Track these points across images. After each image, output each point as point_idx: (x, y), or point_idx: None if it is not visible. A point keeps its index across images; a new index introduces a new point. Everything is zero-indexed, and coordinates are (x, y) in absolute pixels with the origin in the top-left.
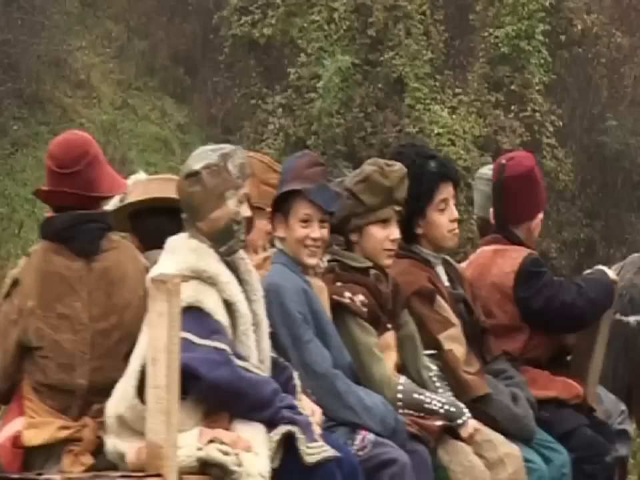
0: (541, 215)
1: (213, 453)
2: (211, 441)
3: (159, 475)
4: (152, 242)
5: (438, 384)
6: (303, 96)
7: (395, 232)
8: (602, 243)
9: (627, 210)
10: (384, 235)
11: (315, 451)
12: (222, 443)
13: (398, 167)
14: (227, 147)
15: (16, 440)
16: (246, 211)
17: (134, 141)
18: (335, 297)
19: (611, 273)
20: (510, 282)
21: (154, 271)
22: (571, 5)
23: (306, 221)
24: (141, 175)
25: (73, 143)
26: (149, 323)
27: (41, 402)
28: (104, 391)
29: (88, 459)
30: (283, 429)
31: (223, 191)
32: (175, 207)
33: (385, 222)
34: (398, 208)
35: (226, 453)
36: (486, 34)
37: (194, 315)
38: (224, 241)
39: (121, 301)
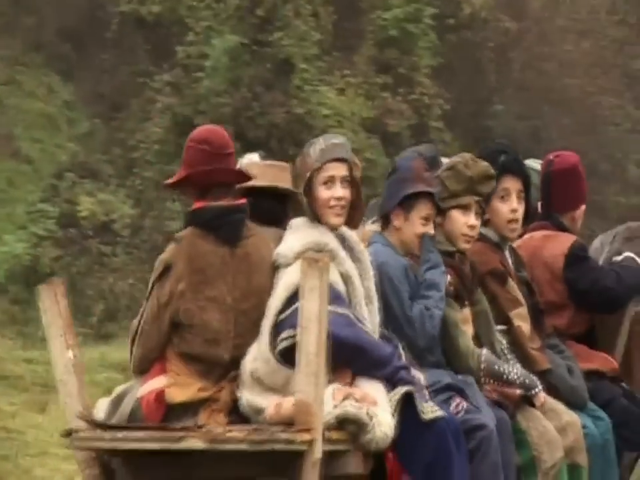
0: (583, 206)
1: (349, 409)
2: (345, 398)
3: (308, 430)
4: (262, 221)
5: (509, 356)
6: (190, 75)
7: (472, 219)
8: None
9: None
10: (463, 221)
11: (429, 409)
12: (354, 399)
13: (483, 163)
14: (320, 138)
15: (159, 395)
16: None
17: (20, 117)
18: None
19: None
20: (560, 263)
21: (281, 247)
22: None
23: (427, 219)
24: (254, 157)
25: (220, 131)
26: (300, 295)
27: (184, 366)
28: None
29: (222, 418)
30: (402, 389)
31: (305, 172)
32: (286, 194)
33: (464, 208)
34: (477, 198)
35: (359, 408)
36: (374, 16)
37: None
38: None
39: (259, 284)
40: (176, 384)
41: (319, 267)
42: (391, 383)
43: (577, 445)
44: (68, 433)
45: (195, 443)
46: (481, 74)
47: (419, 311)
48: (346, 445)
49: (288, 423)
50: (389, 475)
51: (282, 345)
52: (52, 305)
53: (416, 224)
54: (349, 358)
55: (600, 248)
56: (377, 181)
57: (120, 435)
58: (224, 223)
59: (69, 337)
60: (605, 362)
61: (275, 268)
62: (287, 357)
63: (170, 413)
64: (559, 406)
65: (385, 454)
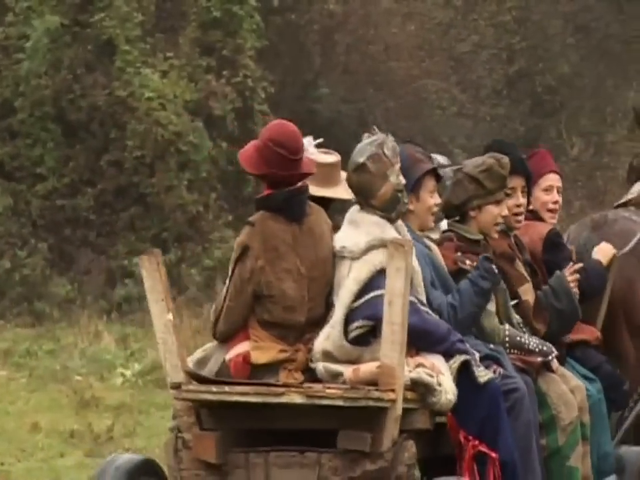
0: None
1: (422, 375)
2: (417, 366)
3: (392, 390)
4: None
5: (524, 329)
6: (10, 56)
7: (504, 210)
8: None
9: None
10: (497, 212)
11: (483, 374)
12: (426, 367)
13: (507, 160)
14: (379, 137)
15: (245, 357)
16: (403, 182)
17: None
18: (458, 263)
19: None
20: (539, 248)
21: (340, 238)
22: None
23: (432, 191)
24: (308, 143)
25: (295, 135)
26: (387, 274)
27: (265, 331)
28: (313, 324)
29: (299, 375)
30: (459, 358)
31: (385, 170)
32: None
33: (498, 202)
34: (508, 192)
35: (430, 375)
36: None
37: (384, 277)
38: (394, 206)
39: (324, 254)
40: (259, 347)
41: (404, 250)
42: (448, 354)
43: (582, 405)
44: (177, 386)
45: (295, 397)
46: (306, 57)
47: (441, 303)
48: (417, 404)
49: (366, 384)
50: (450, 430)
51: (354, 333)
52: (153, 273)
53: (426, 199)
54: (415, 340)
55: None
56: (200, 165)
57: (227, 388)
58: (291, 205)
59: (168, 301)
60: (590, 332)
61: (340, 258)
62: (357, 340)
63: (254, 373)
64: (566, 372)
65: (445, 413)
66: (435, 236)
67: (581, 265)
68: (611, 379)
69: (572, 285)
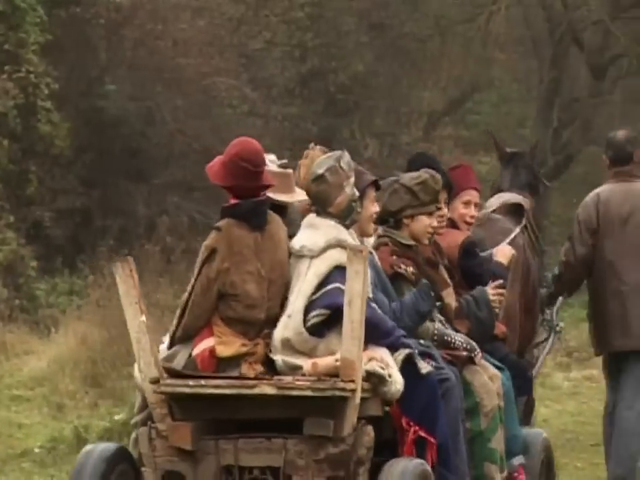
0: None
1: (376, 367)
2: (370, 359)
3: (352, 381)
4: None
5: (447, 327)
6: None
7: (434, 222)
8: (99, 212)
9: (124, 178)
10: (428, 223)
11: (424, 366)
12: (376, 360)
13: (439, 177)
14: (336, 153)
15: (212, 351)
16: (357, 194)
17: None
18: (394, 267)
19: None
20: (456, 254)
21: (299, 240)
22: None
23: (374, 200)
24: (271, 158)
25: (257, 150)
26: (347, 276)
27: (228, 327)
28: (271, 321)
29: (259, 367)
30: (404, 351)
31: (341, 182)
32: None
33: (430, 214)
34: (438, 205)
35: (382, 368)
36: None
37: (341, 272)
38: (348, 214)
39: (282, 258)
40: (222, 342)
41: (362, 255)
42: (393, 347)
43: (499, 391)
44: (156, 380)
45: (266, 389)
46: (92, 52)
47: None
48: (370, 394)
49: (324, 376)
50: (394, 418)
51: (313, 320)
52: (127, 278)
53: (369, 208)
54: (365, 332)
55: None
56: None
57: (203, 382)
58: (254, 214)
59: (141, 304)
60: (497, 327)
61: (299, 257)
62: (313, 330)
63: (219, 365)
64: (485, 363)
65: (392, 402)
66: (370, 241)
67: (502, 281)
68: (517, 367)
69: (494, 298)
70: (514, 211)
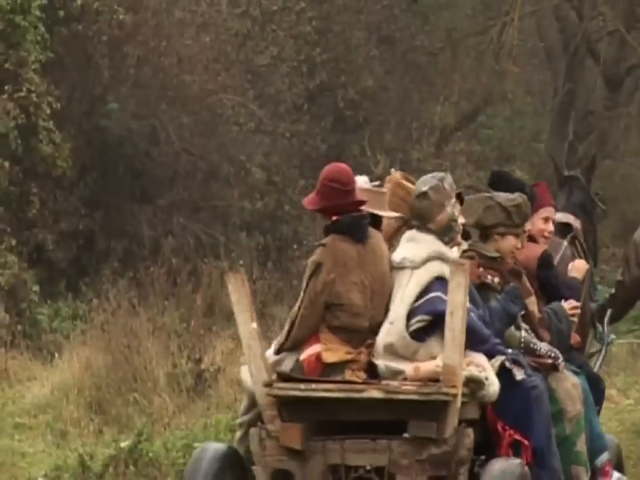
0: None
1: (474, 372)
2: (468, 364)
3: (454, 386)
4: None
5: (532, 335)
6: None
7: (519, 244)
8: (102, 234)
9: (128, 199)
10: (514, 243)
11: (518, 372)
12: (475, 365)
13: (529, 203)
14: (439, 173)
15: (318, 357)
16: (458, 215)
17: None
18: (481, 277)
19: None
20: (534, 265)
21: (400, 253)
22: None
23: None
24: (363, 180)
25: (346, 170)
26: (449, 288)
27: (334, 335)
28: (374, 330)
29: (362, 375)
30: (500, 358)
31: (443, 201)
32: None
33: (517, 235)
34: (526, 229)
35: (480, 372)
36: None
37: (441, 282)
38: (448, 233)
39: (384, 270)
40: (329, 349)
41: (464, 268)
42: (490, 354)
43: (580, 398)
44: (268, 384)
45: (374, 393)
46: (94, 70)
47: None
48: (468, 398)
49: (426, 381)
50: (489, 422)
51: (415, 326)
52: (239, 288)
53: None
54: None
55: None
56: None
57: (313, 385)
58: (355, 228)
59: (252, 312)
60: (573, 337)
61: (400, 268)
62: (414, 335)
63: (324, 371)
64: (567, 371)
65: (485, 407)
66: (455, 253)
67: (578, 303)
68: (591, 378)
69: (571, 312)
70: (563, 229)
